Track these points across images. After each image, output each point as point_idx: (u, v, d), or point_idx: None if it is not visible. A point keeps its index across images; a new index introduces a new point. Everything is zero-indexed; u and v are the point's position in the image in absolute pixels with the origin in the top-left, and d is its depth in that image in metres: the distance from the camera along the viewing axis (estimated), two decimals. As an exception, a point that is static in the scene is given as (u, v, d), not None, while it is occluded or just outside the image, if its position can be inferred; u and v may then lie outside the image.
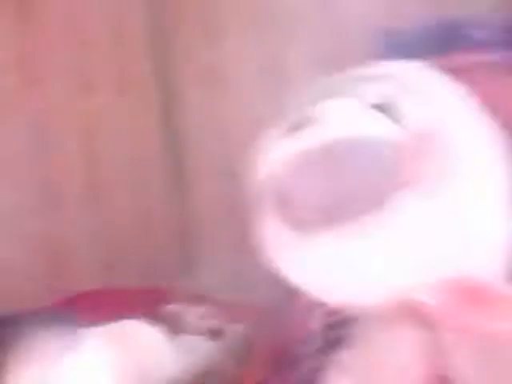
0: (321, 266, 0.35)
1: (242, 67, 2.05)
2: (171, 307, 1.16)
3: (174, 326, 1.06)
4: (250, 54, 2.02)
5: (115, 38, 2.03)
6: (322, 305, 0.36)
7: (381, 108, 0.37)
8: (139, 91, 2.06)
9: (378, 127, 0.35)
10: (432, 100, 0.39)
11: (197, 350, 1.01)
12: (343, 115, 0.35)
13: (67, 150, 1.95)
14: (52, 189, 1.91)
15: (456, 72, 1.64)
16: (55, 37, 1.95)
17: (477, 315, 0.32)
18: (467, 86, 1.64)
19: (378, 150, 0.33)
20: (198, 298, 1.23)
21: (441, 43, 1.59)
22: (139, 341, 0.91)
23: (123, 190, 2.03)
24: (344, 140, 0.33)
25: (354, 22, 1.84)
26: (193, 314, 1.11)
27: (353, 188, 0.34)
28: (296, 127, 0.37)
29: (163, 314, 1.12)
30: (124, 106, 2.05)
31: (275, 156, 0.37)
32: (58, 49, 1.95)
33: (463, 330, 0.32)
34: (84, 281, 1.82)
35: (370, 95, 0.38)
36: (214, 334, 1.07)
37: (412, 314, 0.33)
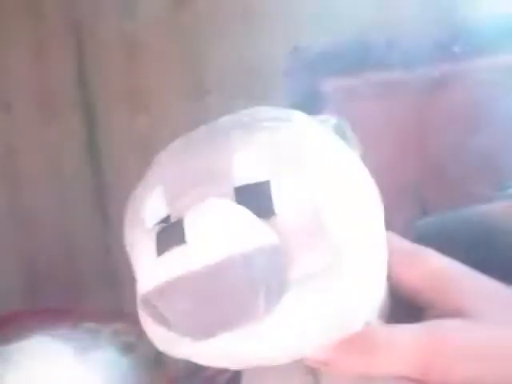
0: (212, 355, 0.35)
1: (164, 89, 2.07)
2: (87, 325, 1.17)
3: (87, 342, 1.07)
4: (172, 75, 2.04)
5: (38, 59, 2.03)
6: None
7: (248, 194, 0.34)
8: (63, 114, 2.07)
9: (246, 236, 0.32)
10: (306, 170, 0.36)
11: (109, 365, 1.01)
12: (204, 226, 0.32)
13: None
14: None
15: (364, 91, 1.70)
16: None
17: (356, 360, 0.35)
18: (381, 102, 1.69)
19: (252, 261, 0.32)
20: (113, 315, 1.23)
21: (351, 62, 1.66)
22: (47, 357, 0.91)
23: (45, 214, 2.03)
24: (214, 264, 0.32)
25: (275, 39, 1.90)
26: (107, 330, 1.12)
27: (234, 301, 0.32)
28: (159, 240, 0.33)
29: (77, 331, 1.13)
30: (47, 130, 2.05)
31: (146, 278, 0.36)
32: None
33: (343, 374, 0.35)
34: (6, 303, 1.80)
35: (235, 173, 0.35)
36: (127, 348, 1.08)
37: (297, 367, 0.36)
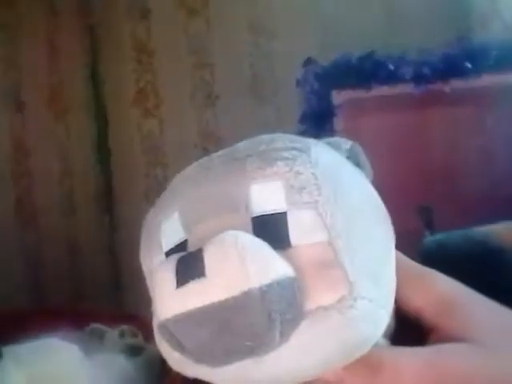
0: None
1: (174, 92, 2.09)
2: (93, 326, 1.18)
3: (94, 344, 1.08)
4: (183, 80, 2.06)
5: (51, 59, 2.05)
6: None
7: (265, 225, 0.35)
8: (74, 114, 2.08)
9: (263, 270, 0.33)
10: (321, 201, 0.36)
11: (114, 367, 1.03)
12: (224, 260, 0.33)
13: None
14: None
15: (376, 103, 1.70)
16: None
17: (362, 380, 0.37)
18: (389, 116, 1.69)
19: (269, 295, 0.33)
20: (120, 318, 1.25)
21: (362, 75, 1.67)
22: (56, 358, 0.92)
23: (52, 212, 2.04)
24: (232, 297, 0.33)
25: (284, 51, 1.91)
26: (113, 332, 1.13)
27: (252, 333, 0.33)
28: (179, 270, 0.34)
29: (85, 333, 1.14)
30: (58, 129, 2.06)
31: (165, 306, 0.36)
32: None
33: None
34: (10, 303, 1.80)
35: (252, 203, 0.35)
36: (134, 351, 1.10)
37: None
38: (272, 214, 0.35)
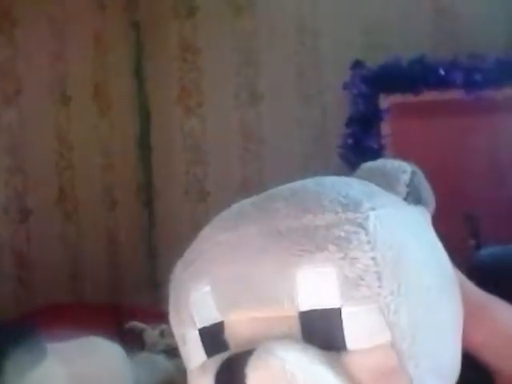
0: None
1: (218, 91, 2.08)
2: (133, 324, 1.18)
3: (135, 343, 1.08)
4: (227, 79, 2.05)
5: (98, 57, 2.06)
6: None
7: (315, 321, 0.30)
8: (118, 110, 2.09)
9: None
10: (385, 294, 0.30)
11: (156, 367, 1.02)
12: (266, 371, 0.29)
13: (41, 165, 1.96)
14: (22, 201, 1.92)
15: (425, 108, 1.67)
16: (36, 51, 1.97)
17: None
18: (438, 122, 1.65)
19: None
20: (159, 315, 1.24)
21: (411, 80, 1.64)
22: (100, 357, 0.92)
23: (93, 205, 2.05)
24: None
25: (330, 52, 1.89)
26: (153, 332, 1.12)
27: None
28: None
29: (125, 331, 1.14)
30: (102, 124, 2.07)
31: None
32: (38, 63, 1.98)
33: None
34: (50, 294, 1.82)
35: (300, 294, 0.30)
36: (173, 351, 1.09)
37: None
38: (323, 310, 0.30)
